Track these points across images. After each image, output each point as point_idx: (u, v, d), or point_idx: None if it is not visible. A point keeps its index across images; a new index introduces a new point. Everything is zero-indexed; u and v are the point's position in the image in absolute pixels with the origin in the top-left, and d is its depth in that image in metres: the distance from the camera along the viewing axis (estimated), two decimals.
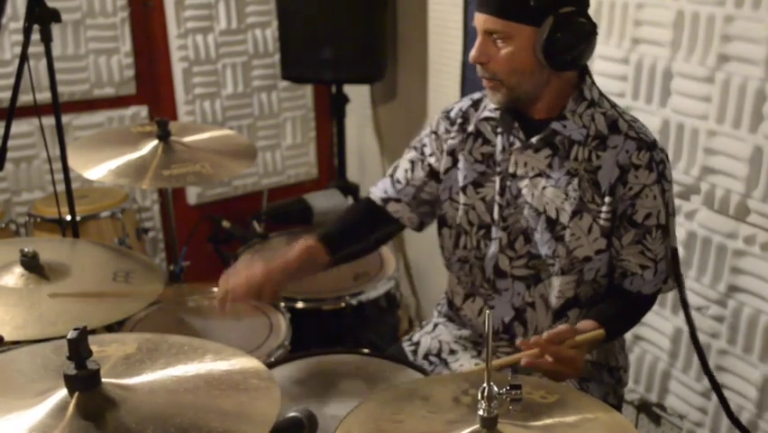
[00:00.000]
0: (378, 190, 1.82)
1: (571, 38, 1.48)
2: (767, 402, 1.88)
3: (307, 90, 3.39)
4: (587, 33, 1.50)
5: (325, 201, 3.05)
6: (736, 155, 1.81)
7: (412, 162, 1.77)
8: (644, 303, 1.66)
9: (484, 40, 1.52)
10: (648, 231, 1.56)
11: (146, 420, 0.92)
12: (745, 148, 1.79)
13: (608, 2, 2.07)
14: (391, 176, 1.82)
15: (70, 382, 0.94)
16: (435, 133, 1.75)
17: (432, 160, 1.74)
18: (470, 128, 1.69)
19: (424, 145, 1.76)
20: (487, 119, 1.67)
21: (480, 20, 1.52)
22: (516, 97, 1.56)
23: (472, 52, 1.54)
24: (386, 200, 1.79)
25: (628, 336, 2.22)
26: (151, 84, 3.07)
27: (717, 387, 1.65)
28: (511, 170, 1.62)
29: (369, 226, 1.82)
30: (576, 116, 1.56)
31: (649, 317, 2.15)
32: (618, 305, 1.63)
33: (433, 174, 1.74)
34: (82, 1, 2.82)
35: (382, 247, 2.51)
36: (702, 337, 2.00)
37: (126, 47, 2.94)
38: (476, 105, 1.71)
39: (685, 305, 1.59)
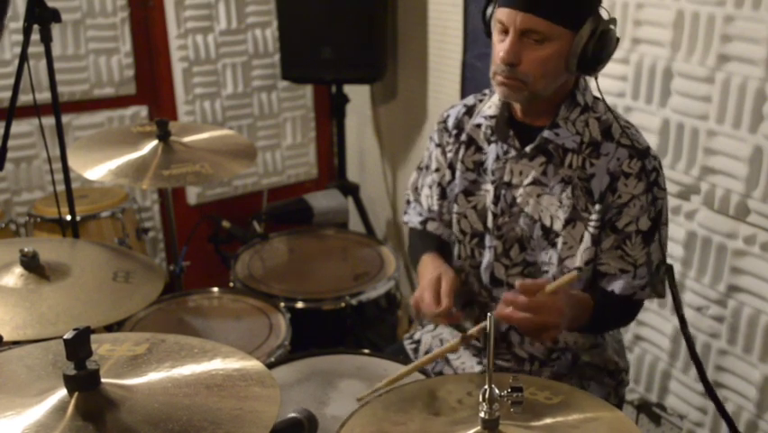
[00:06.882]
0: (413, 217, 1.83)
1: (605, 46, 1.44)
2: (767, 402, 1.88)
3: (307, 90, 3.39)
4: (615, 42, 1.46)
5: (325, 201, 3.05)
6: (736, 155, 1.81)
7: (430, 187, 1.77)
8: (617, 304, 1.60)
9: (518, 40, 1.42)
10: (628, 236, 1.54)
11: (146, 421, 0.92)
12: (744, 148, 1.79)
13: (607, 2, 2.06)
14: (408, 201, 1.84)
15: (70, 383, 0.94)
16: (440, 146, 1.73)
17: (440, 177, 1.74)
18: (463, 136, 1.68)
19: (436, 168, 1.75)
20: (479, 126, 1.65)
21: (515, 18, 1.41)
22: (535, 100, 1.51)
23: (502, 53, 1.43)
24: (423, 222, 1.80)
25: (628, 335, 2.22)
26: (151, 84, 3.07)
27: (715, 398, 1.63)
28: (506, 178, 1.60)
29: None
30: (569, 123, 1.54)
31: (649, 317, 2.16)
32: (595, 298, 1.59)
33: (446, 194, 1.74)
34: (82, 1, 2.82)
35: (382, 247, 2.51)
36: (702, 337, 2.00)
37: (126, 47, 2.94)
38: (470, 111, 1.69)
39: (682, 322, 1.56)
